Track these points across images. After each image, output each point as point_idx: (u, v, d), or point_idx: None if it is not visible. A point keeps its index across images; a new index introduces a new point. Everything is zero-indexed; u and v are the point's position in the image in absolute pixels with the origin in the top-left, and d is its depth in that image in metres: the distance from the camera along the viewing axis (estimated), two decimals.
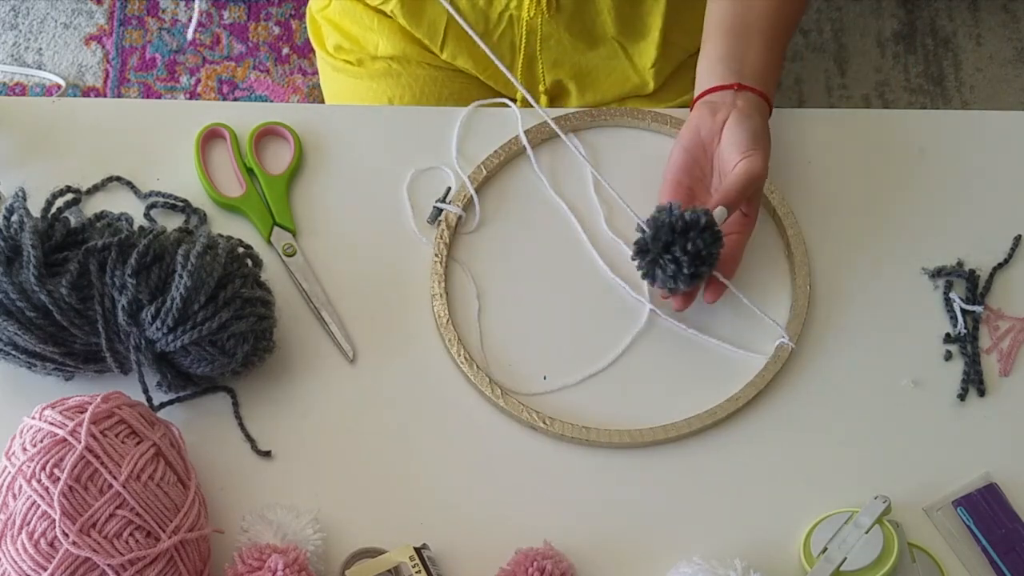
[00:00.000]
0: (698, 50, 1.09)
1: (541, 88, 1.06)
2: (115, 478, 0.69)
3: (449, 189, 0.88)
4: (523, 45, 1.02)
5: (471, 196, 0.88)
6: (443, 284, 0.85)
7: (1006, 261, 0.89)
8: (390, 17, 1.06)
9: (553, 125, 0.88)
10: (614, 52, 1.03)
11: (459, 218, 0.88)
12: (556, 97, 1.09)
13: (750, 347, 0.85)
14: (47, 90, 1.74)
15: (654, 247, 0.79)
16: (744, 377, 0.83)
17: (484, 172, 0.90)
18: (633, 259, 0.81)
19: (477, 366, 0.83)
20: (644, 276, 0.81)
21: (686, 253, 0.78)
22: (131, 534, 0.68)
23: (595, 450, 0.81)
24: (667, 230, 0.78)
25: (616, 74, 1.05)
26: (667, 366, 0.84)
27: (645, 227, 0.80)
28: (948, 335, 0.86)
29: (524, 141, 0.90)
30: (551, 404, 0.82)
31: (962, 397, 0.84)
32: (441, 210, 0.87)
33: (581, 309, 0.86)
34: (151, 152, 0.90)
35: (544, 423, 0.81)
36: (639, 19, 1.01)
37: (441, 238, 0.87)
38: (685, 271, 0.78)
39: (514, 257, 0.88)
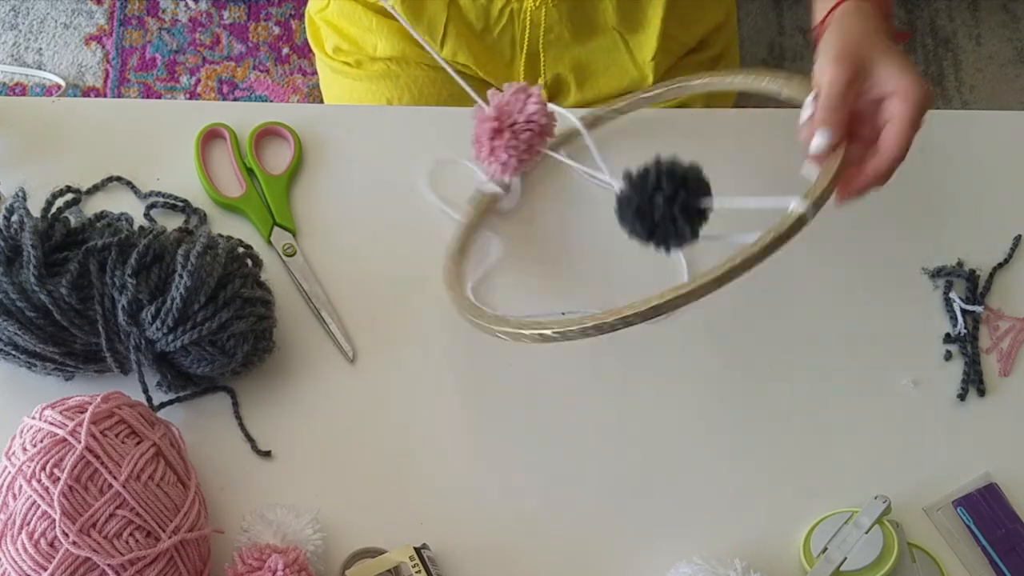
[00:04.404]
0: (695, 47, 1.09)
1: (541, 82, 1.06)
2: (115, 478, 0.69)
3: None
4: (525, 39, 1.02)
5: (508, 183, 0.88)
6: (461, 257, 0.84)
7: (1006, 261, 0.89)
8: (389, 17, 1.06)
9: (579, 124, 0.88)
10: (614, 43, 1.04)
11: (492, 198, 0.88)
12: (556, 92, 1.09)
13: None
14: (47, 90, 1.74)
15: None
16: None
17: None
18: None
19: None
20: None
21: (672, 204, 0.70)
22: (131, 534, 0.68)
23: (596, 451, 0.81)
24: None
25: (615, 67, 1.05)
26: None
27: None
28: (948, 335, 0.86)
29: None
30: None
31: (962, 397, 0.84)
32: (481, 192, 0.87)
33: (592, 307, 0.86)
34: (151, 152, 0.90)
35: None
36: (639, 9, 1.01)
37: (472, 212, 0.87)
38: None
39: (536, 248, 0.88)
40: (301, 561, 0.71)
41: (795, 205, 0.71)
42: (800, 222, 0.70)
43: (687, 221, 0.71)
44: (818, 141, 0.74)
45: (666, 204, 0.70)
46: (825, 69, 0.75)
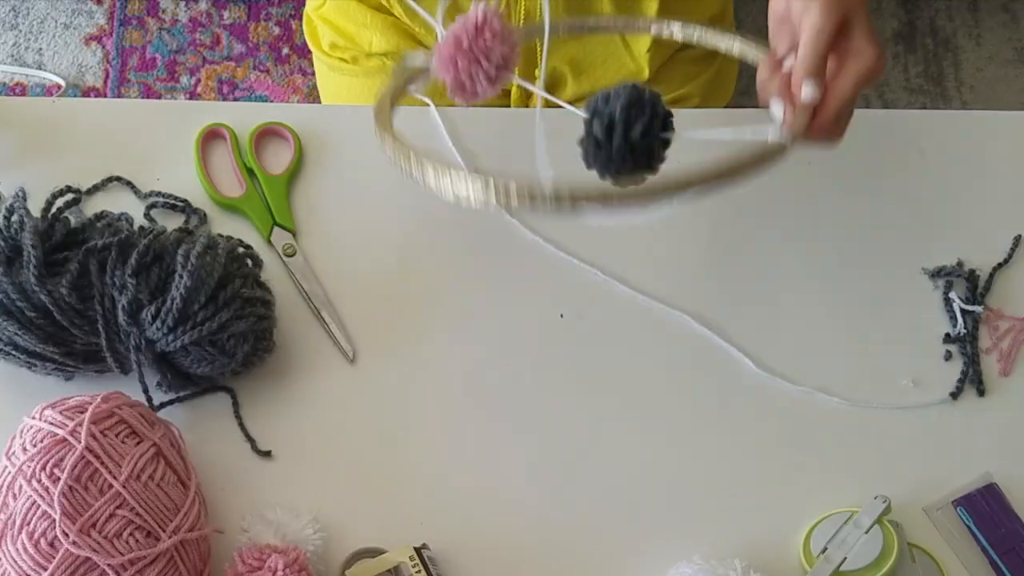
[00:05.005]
0: (689, 43, 1.09)
1: (536, 72, 1.06)
2: (115, 478, 0.69)
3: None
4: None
5: None
6: None
7: (1006, 261, 0.89)
8: (384, 13, 1.06)
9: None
10: (610, 36, 1.04)
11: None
12: (552, 85, 1.09)
13: None
14: (47, 90, 1.74)
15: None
16: None
17: None
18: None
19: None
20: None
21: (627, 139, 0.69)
22: (131, 534, 0.68)
23: (597, 451, 0.81)
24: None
25: (612, 60, 1.06)
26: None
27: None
28: (948, 335, 0.86)
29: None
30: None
31: (960, 396, 0.84)
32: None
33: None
34: (151, 152, 0.90)
35: None
36: (636, 1, 1.01)
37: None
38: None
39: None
40: (301, 561, 0.71)
41: (773, 135, 0.69)
42: (780, 149, 0.68)
43: (652, 156, 0.69)
44: (808, 92, 0.71)
45: (641, 136, 0.68)
46: (813, 14, 0.72)
